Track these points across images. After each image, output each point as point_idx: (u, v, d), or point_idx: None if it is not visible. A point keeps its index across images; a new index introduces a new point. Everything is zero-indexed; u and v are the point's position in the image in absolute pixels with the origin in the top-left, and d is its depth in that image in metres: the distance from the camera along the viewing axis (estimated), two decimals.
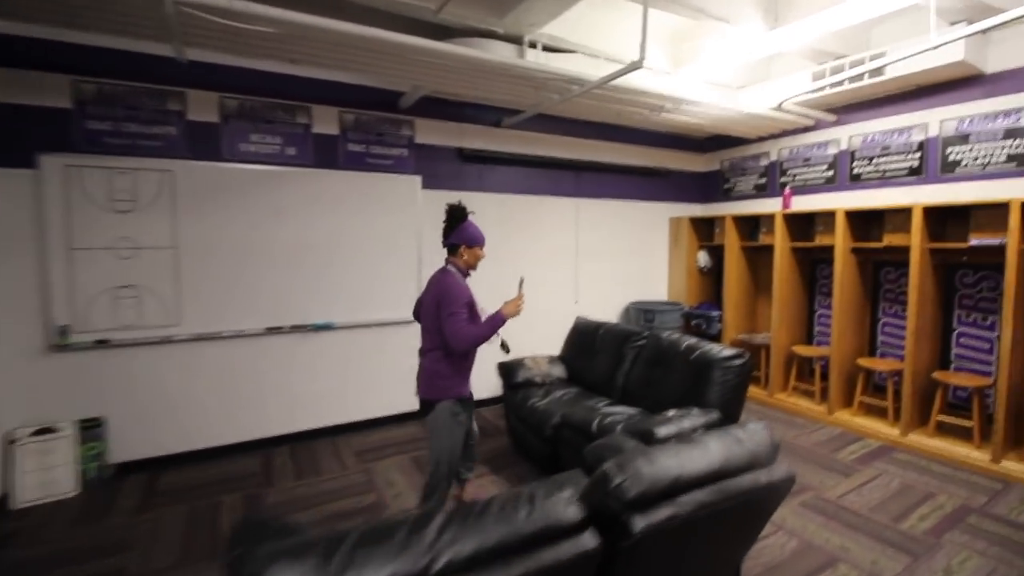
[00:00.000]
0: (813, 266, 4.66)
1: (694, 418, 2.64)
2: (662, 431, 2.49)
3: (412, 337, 3.99)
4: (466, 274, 2.18)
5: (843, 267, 4.02)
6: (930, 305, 3.71)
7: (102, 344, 3.14)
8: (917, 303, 3.62)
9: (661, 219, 5.27)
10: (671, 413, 2.72)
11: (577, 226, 4.79)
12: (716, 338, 5.00)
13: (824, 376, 4.37)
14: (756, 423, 1.81)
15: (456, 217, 2.16)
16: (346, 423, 3.88)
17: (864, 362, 4.04)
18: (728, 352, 2.90)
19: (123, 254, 3.16)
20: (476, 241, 2.15)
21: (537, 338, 4.64)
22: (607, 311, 4.98)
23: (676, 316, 4.89)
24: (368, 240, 3.80)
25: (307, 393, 3.72)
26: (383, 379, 3.99)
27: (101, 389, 3.17)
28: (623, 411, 3.08)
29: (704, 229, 5.20)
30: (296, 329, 3.62)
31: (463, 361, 2.20)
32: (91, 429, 3.12)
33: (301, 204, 3.58)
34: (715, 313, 4.95)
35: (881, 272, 4.23)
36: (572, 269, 4.80)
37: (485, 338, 2.14)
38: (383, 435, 3.84)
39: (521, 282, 2.25)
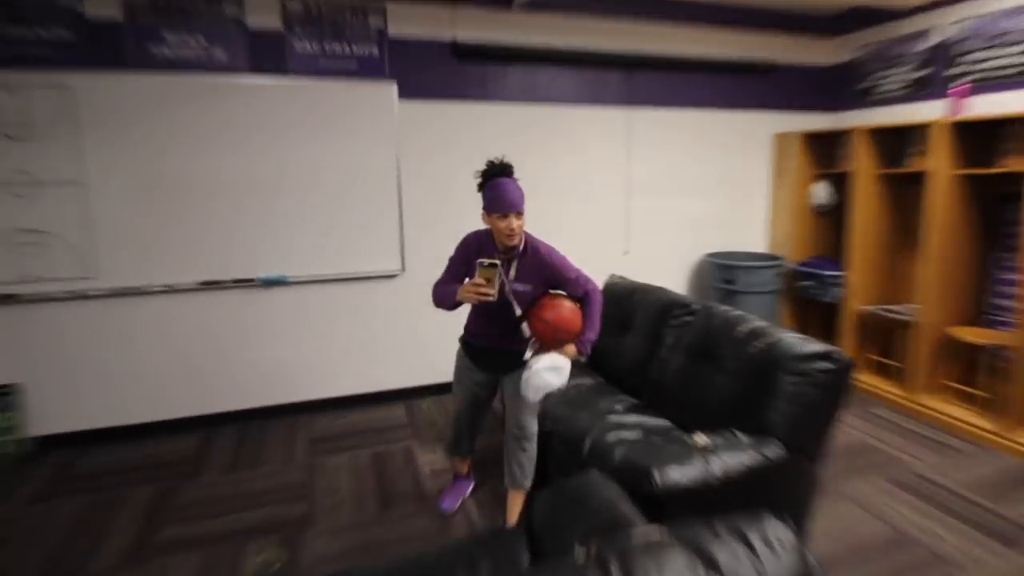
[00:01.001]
0: (993, 206, 3.31)
1: (735, 453, 1.81)
2: (671, 475, 1.69)
3: (397, 295, 3.48)
4: (492, 240, 2.04)
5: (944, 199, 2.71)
6: None
7: (9, 299, 2.88)
8: None
9: (759, 136, 4.21)
10: (700, 440, 1.89)
11: (629, 148, 3.88)
12: (832, 310, 3.97)
13: (997, 373, 3.13)
14: (782, 528, 0.95)
15: (484, 175, 2.00)
16: (313, 400, 3.50)
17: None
18: (811, 348, 1.97)
19: (20, 191, 2.83)
20: (490, 207, 1.98)
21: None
22: (671, 266, 4.15)
23: (771, 276, 3.85)
24: (329, 170, 3.26)
25: (261, 363, 3.38)
26: (358, 348, 3.54)
27: (13, 352, 2.96)
28: (643, 423, 2.31)
29: (824, 150, 4.12)
30: (241, 284, 3.20)
31: (472, 310, 2.23)
32: (3, 397, 2.94)
33: (241, 125, 3.07)
34: (832, 273, 3.80)
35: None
36: (621, 208, 3.96)
37: (439, 305, 2.18)
38: (354, 419, 3.45)
39: (481, 265, 1.99)
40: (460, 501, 2.55)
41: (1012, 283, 3.27)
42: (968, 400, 3.31)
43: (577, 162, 3.77)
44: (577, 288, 2.14)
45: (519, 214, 1.96)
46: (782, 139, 4.19)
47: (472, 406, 2.37)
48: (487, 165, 1.99)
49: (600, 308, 2.16)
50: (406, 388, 3.66)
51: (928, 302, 3.31)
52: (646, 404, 2.55)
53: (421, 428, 3.33)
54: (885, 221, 3.76)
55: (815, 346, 1.97)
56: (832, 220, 4.17)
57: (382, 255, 3.41)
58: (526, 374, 2.04)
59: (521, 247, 2.07)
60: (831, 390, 1.94)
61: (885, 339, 3.78)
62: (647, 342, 2.68)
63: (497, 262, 1.99)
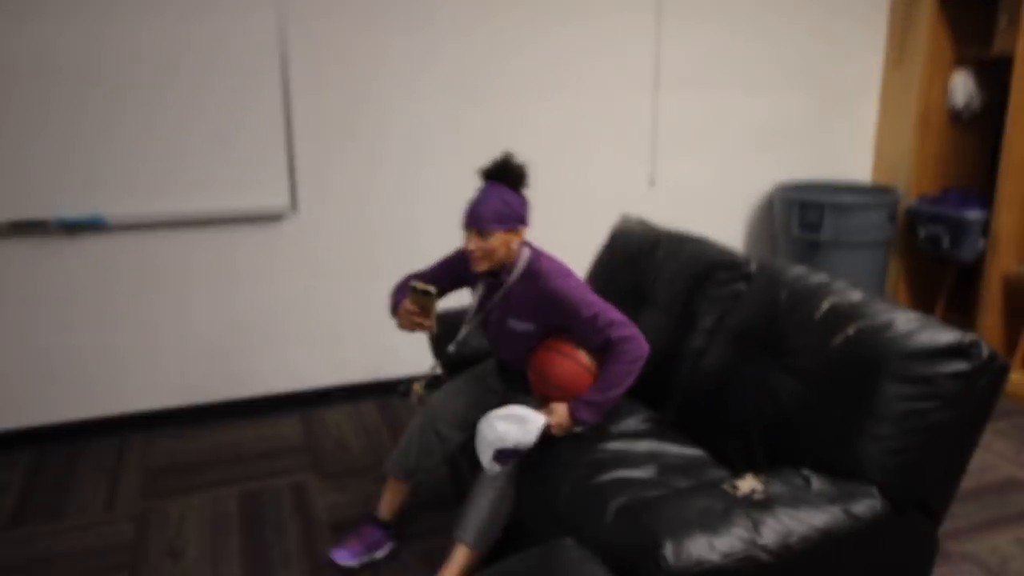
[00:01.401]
0: None
1: (803, 509, 1.65)
2: (693, 551, 1.51)
3: (285, 247, 3.30)
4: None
5: None
6: None
7: None
8: None
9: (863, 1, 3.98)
10: (747, 486, 1.71)
11: (659, 18, 3.63)
12: (970, 270, 3.87)
13: None
14: None
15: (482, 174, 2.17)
16: (152, 412, 3.36)
17: None
18: (935, 338, 1.78)
19: None
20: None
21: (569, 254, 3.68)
22: (720, 203, 4.06)
23: (879, 218, 3.72)
24: (171, 56, 3.02)
25: (64, 354, 3.21)
26: (223, 331, 3.35)
27: None
28: (660, 452, 2.18)
29: (969, 23, 3.95)
30: (27, 229, 2.95)
31: None
32: None
33: None
34: (973, 213, 3.63)
35: None
36: (645, 112, 3.77)
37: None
38: (218, 440, 3.30)
39: (413, 289, 2.20)
40: (365, 558, 2.41)
41: None
42: None
43: (578, 37, 3.57)
44: (595, 334, 2.08)
45: (480, 233, 2.05)
46: (903, 6, 4.01)
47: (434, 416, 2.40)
48: (491, 163, 2.14)
49: (630, 368, 2.07)
50: (301, 392, 3.51)
51: None
52: (669, 421, 2.35)
53: (326, 450, 3.15)
54: None
55: (942, 335, 1.75)
56: (976, 133, 4.00)
57: (259, 185, 3.19)
58: (480, 423, 2.06)
59: (517, 270, 2.17)
60: (968, 407, 1.73)
61: None
62: (674, 324, 2.47)
63: (432, 290, 2.16)
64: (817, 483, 1.73)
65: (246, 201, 3.19)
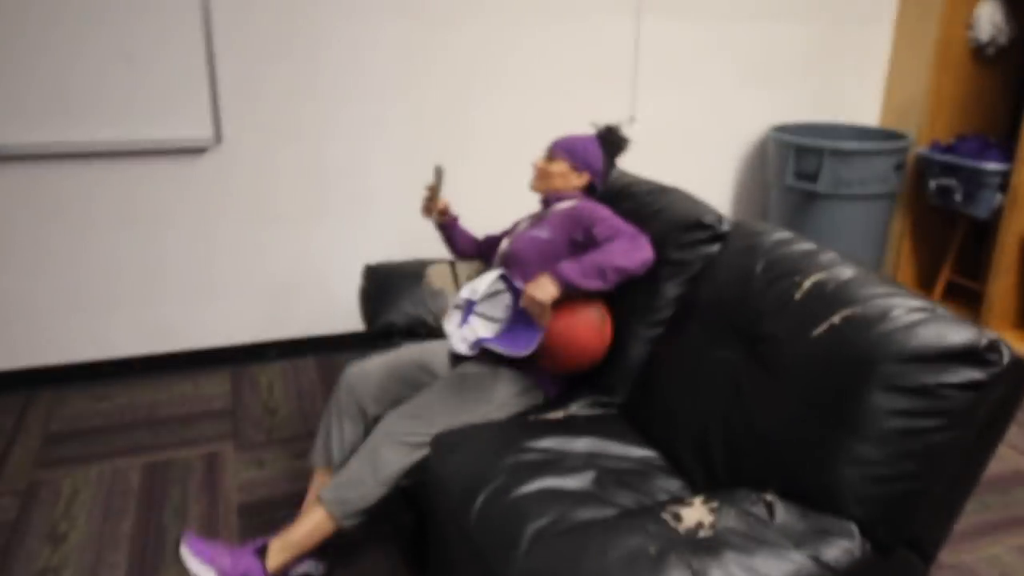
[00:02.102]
0: None
1: (761, 554, 1.31)
2: None
3: (209, 184, 2.94)
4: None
5: None
6: None
7: None
8: None
9: None
10: (693, 517, 1.35)
11: None
12: (984, 230, 3.52)
13: None
14: None
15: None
16: (59, 366, 3.02)
17: None
18: (947, 335, 1.39)
19: None
20: None
21: (524, 210, 3.29)
22: (708, 146, 3.65)
23: (884, 166, 3.33)
24: None
25: None
26: (142, 277, 3.01)
27: None
28: (602, 452, 1.85)
29: None
30: None
31: None
32: None
33: None
34: (992, 164, 3.27)
35: None
36: (625, 37, 3.32)
37: None
38: (133, 400, 2.98)
39: (437, 172, 2.20)
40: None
41: None
42: None
43: None
44: (600, 233, 1.96)
45: (551, 156, 2.20)
46: None
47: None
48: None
49: (618, 253, 1.87)
50: (232, 347, 3.17)
51: None
52: (617, 405, 2.00)
53: (250, 416, 2.85)
54: None
55: (953, 332, 1.36)
56: (1000, 73, 3.58)
57: (176, 112, 2.79)
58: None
59: (564, 201, 2.17)
60: (978, 426, 1.35)
61: None
62: (632, 289, 2.07)
63: (442, 166, 2.19)
64: (782, 514, 1.37)
65: (162, 131, 2.79)
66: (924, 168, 3.53)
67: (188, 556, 1.87)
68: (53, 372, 2.97)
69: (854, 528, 1.34)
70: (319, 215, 3.07)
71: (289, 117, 2.92)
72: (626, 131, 2.29)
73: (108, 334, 2.99)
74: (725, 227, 1.99)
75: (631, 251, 1.87)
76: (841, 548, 1.30)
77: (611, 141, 2.24)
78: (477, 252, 2.40)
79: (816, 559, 1.27)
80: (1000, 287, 3.28)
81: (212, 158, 2.88)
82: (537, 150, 3.25)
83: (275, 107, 2.89)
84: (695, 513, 1.36)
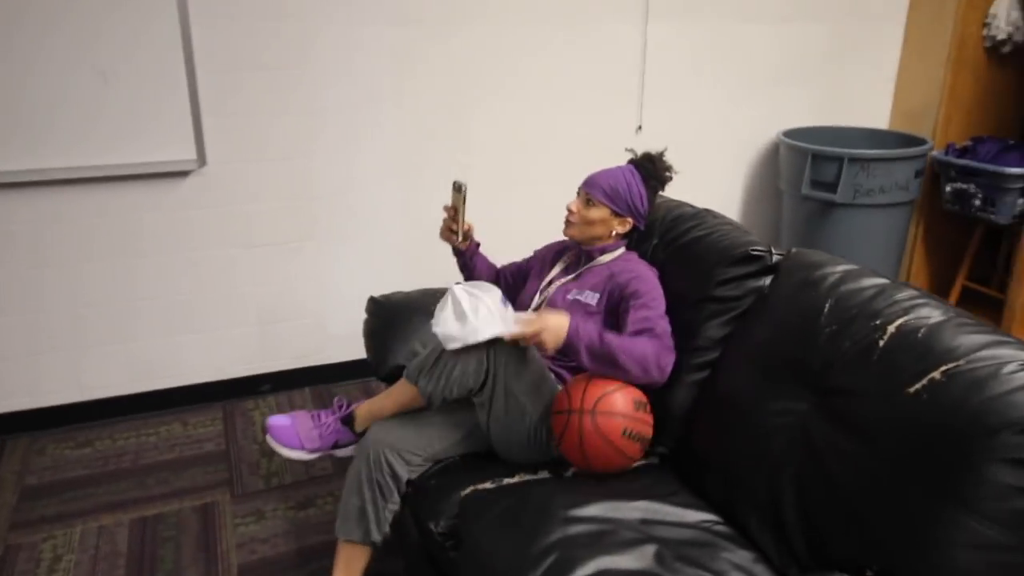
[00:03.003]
0: None
1: None
2: None
3: (192, 209, 2.66)
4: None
5: None
6: None
7: None
8: None
9: None
10: None
11: None
12: (999, 233, 3.47)
13: None
14: None
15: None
16: (31, 410, 2.76)
17: None
18: None
19: None
20: None
21: (543, 227, 3.07)
22: (716, 154, 3.45)
23: (904, 173, 3.18)
24: None
25: None
26: (120, 310, 2.74)
27: None
28: (660, 521, 1.65)
29: None
30: None
31: None
32: None
33: None
34: (1014, 170, 3.12)
35: None
36: (634, 42, 3.11)
37: None
38: (115, 444, 2.73)
39: (456, 188, 1.97)
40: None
41: None
42: None
43: None
44: (634, 321, 1.80)
45: (589, 200, 1.94)
46: None
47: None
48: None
49: (639, 356, 1.70)
50: (222, 382, 2.91)
51: None
52: (662, 456, 1.79)
53: (245, 459, 2.61)
54: None
55: None
56: (1018, 72, 3.47)
57: (157, 134, 2.53)
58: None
59: (609, 254, 1.98)
60: None
61: None
62: (674, 331, 1.85)
63: (464, 183, 1.95)
64: None
65: (141, 154, 2.53)
66: (939, 172, 3.37)
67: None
68: (27, 417, 2.71)
69: None
70: (308, 237, 2.83)
71: (274, 135, 2.69)
72: (665, 158, 2.02)
73: (87, 374, 2.73)
74: (775, 258, 1.78)
75: (654, 361, 1.71)
76: None
77: (653, 175, 1.99)
78: (495, 283, 2.16)
79: None
80: (1023, 296, 3.12)
81: (195, 181, 2.62)
82: (541, 162, 3.06)
83: (260, 125, 2.66)
84: None
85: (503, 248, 2.44)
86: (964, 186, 3.25)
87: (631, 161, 2.01)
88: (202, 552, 2.18)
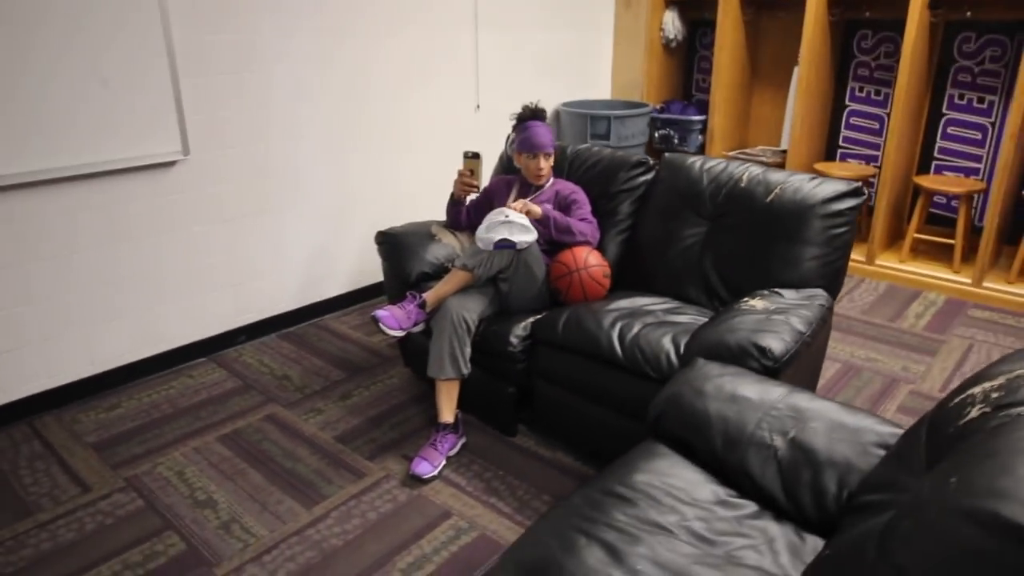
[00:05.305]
0: (850, 36, 4.29)
1: (798, 308, 2.15)
2: (776, 345, 1.94)
3: (178, 195, 2.94)
4: (525, 180, 2.77)
5: (916, 34, 3.66)
6: None
7: None
8: None
9: None
10: (760, 304, 2.18)
11: None
12: None
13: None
14: None
15: (519, 118, 2.71)
16: (47, 391, 2.82)
17: (926, 182, 3.94)
18: (836, 186, 2.40)
19: None
20: (521, 147, 2.69)
21: (423, 186, 3.77)
22: None
23: (643, 125, 4.34)
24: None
25: None
26: (130, 291, 2.93)
27: None
28: (639, 308, 2.49)
29: None
30: None
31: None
32: None
33: None
34: (695, 118, 4.48)
35: (957, 43, 3.99)
36: (470, 48, 3.91)
37: (451, 222, 2.92)
38: (147, 398, 2.90)
39: (465, 156, 2.64)
40: (441, 463, 2.43)
41: (864, 117, 4.36)
42: None
43: None
44: (579, 215, 2.64)
45: (548, 155, 2.65)
46: None
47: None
48: (522, 108, 2.67)
49: (583, 230, 2.58)
50: (205, 339, 3.19)
51: (799, 142, 4.21)
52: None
53: (270, 384, 2.98)
54: (743, 58, 4.53)
55: (837, 185, 2.39)
56: (679, 58, 4.86)
57: (148, 130, 2.76)
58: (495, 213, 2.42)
59: (551, 180, 2.72)
60: (852, 225, 2.41)
61: None
62: (601, 215, 2.78)
63: (479, 152, 2.61)
64: (790, 294, 2.30)
65: (137, 149, 2.72)
66: (658, 123, 4.71)
67: (429, 472, 2.37)
68: (47, 397, 2.75)
69: (822, 292, 2.33)
70: (266, 209, 3.20)
71: (240, 126, 3.02)
72: (539, 104, 2.67)
73: (101, 347, 2.83)
74: (649, 161, 2.85)
75: (590, 232, 2.59)
76: (824, 299, 2.28)
77: (542, 117, 2.66)
78: (469, 223, 2.83)
79: (820, 306, 2.24)
80: None
81: (181, 169, 2.89)
82: (414, 136, 3.75)
83: (225, 119, 2.96)
84: (760, 303, 2.23)
85: (390, 196, 3.26)
86: (666, 131, 4.69)
87: (533, 115, 2.65)
88: (296, 439, 2.56)
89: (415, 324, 2.45)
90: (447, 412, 2.47)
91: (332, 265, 3.55)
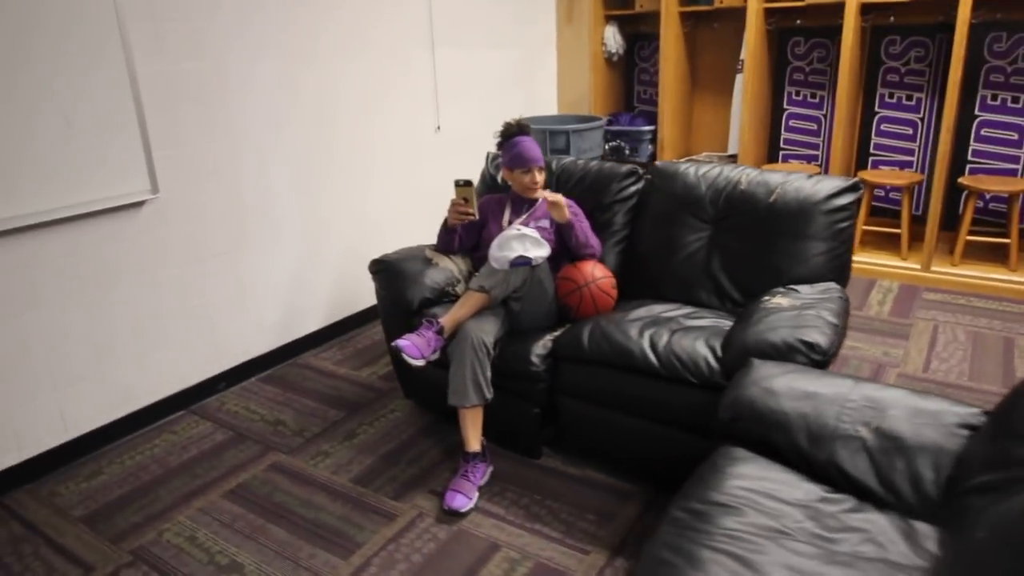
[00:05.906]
0: (784, 43, 4.48)
1: (821, 304, 2.19)
2: (821, 340, 1.96)
3: (149, 236, 2.72)
4: (517, 196, 2.71)
5: (852, 39, 3.86)
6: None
7: None
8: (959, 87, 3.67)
9: None
10: (784, 301, 2.20)
11: None
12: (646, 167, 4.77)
13: None
14: None
15: (503, 135, 2.65)
16: (25, 461, 2.53)
17: (870, 176, 4.14)
18: (834, 183, 2.47)
19: None
20: (512, 163, 2.62)
21: (390, 211, 3.66)
22: (487, 139, 4.15)
23: (598, 137, 4.37)
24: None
25: None
26: (102, 344, 2.68)
27: None
28: (659, 316, 2.48)
29: None
30: None
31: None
32: None
33: None
34: (644, 128, 4.58)
35: (884, 46, 4.24)
36: (428, 69, 3.85)
37: (442, 248, 2.82)
38: (129, 461, 2.65)
39: (456, 184, 2.55)
40: (476, 494, 2.31)
41: (802, 119, 4.55)
42: None
43: (373, 6, 3.47)
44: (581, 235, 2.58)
45: (541, 168, 2.60)
46: None
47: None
48: (504, 126, 2.63)
49: (594, 239, 2.60)
50: (183, 391, 2.96)
51: (747, 145, 4.35)
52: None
53: (264, 432, 2.78)
54: (684, 68, 4.65)
55: (835, 182, 2.47)
56: (621, 71, 4.94)
57: (115, 169, 2.54)
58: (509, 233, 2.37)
59: (542, 193, 2.58)
60: (853, 220, 2.48)
61: None
62: (597, 227, 2.76)
63: (471, 180, 2.54)
64: (806, 289, 2.34)
65: (101, 190, 2.49)
66: (609, 136, 4.74)
67: (466, 505, 2.26)
68: (13, 473, 2.46)
69: (834, 285, 2.38)
70: (243, 245, 3.01)
71: (208, 159, 2.83)
72: (521, 120, 2.63)
73: (71, 411, 2.56)
74: (643, 172, 2.86)
75: (596, 245, 2.59)
76: (838, 291, 2.34)
77: (527, 131, 2.62)
78: (462, 247, 2.77)
79: (839, 299, 2.29)
80: None
81: (150, 209, 2.67)
82: (381, 156, 3.63)
83: (196, 152, 2.78)
84: (784, 300, 2.25)
85: (360, 222, 3.20)
86: (616, 143, 4.76)
87: (520, 130, 2.61)
88: (310, 486, 2.39)
89: (434, 351, 2.34)
90: (474, 440, 2.36)
91: (309, 299, 3.37)
